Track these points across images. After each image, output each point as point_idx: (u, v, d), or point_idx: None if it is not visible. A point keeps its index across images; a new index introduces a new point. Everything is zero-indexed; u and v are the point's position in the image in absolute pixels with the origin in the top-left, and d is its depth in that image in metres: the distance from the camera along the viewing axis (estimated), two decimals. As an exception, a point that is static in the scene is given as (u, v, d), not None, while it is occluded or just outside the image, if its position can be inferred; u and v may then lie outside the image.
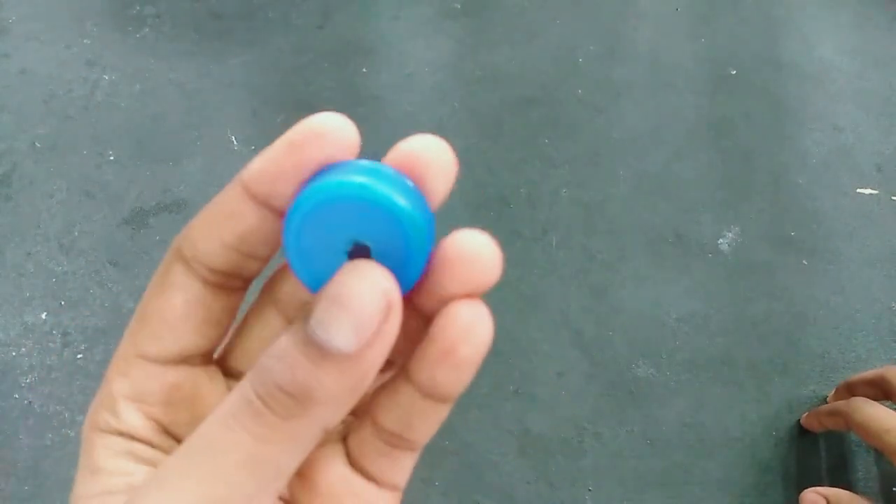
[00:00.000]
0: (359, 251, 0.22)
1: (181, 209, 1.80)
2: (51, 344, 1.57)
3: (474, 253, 0.21)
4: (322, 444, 0.25)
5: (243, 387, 0.20)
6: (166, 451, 0.25)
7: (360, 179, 0.21)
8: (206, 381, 0.26)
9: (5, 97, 1.92)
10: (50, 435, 1.51)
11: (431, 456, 1.44)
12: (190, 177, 1.90)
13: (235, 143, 1.92)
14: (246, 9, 2.19)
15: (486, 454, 1.44)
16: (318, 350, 0.19)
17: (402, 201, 0.22)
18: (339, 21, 2.22)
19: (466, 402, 1.53)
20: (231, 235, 0.23)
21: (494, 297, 1.65)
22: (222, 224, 0.23)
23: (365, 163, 0.23)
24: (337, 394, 0.19)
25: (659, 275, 1.67)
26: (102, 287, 1.75)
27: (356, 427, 0.26)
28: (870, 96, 1.97)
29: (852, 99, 1.97)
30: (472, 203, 1.83)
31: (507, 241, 1.76)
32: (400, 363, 0.25)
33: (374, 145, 1.96)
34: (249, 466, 0.19)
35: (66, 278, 1.69)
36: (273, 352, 0.20)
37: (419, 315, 0.23)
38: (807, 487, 1.32)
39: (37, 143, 1.85)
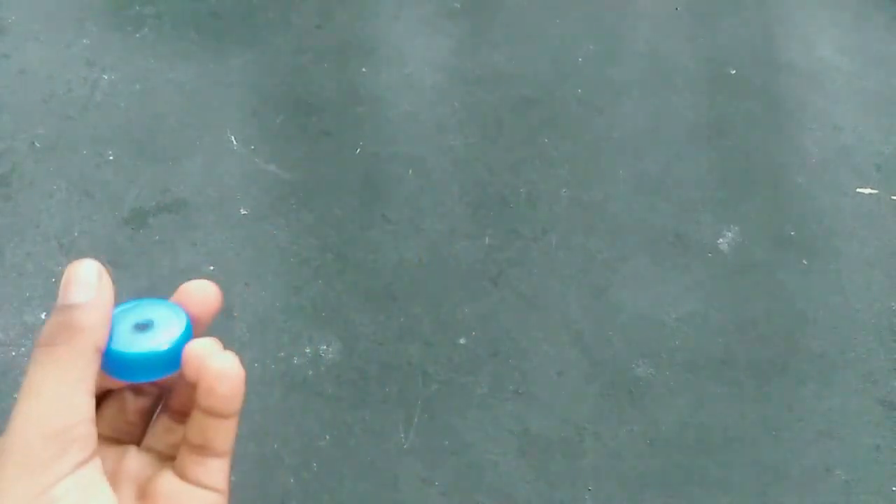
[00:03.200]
0: (142, 327, 0.35)
1: (181, 209, 1.80)
2: (51, 344, 1.57)
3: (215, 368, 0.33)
4: (156, 469, 0.36)
5: (36, 348, 0.32)
6: None
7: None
8: None
9: (5, 97, 1.92)
10: (50, 435, 1.50)
11: (431, 456, 1.44)
12: (190, 177, 1.89)
13: (235, 143, 1.92)
14: (246, 9, 2.19)
15: (486, 454, 1.44)
16: (68, 306, 0.32)
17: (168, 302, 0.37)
18: (338, 21, 2.22)
19: (466, 402, 1.53)
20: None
21: (494, 297, 1.65)
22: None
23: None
24: (88, 322, 0.32)
25: (659, 275, 1.67)
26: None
27: (180, 451, 0.36)
28: (870, 96, 1.97)
29: (852, 99, 1.98)
30: (473, 203, 1.83)
31: (507, 241, 1.76)
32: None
33: (375, 145, 1.95)
34: (61, 372, 0.31)
35: (65, 278, 1.68)
36: (48, 322, 0.33)
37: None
38: (806, 486, 1.32)
39: (36, 143, 1.85)
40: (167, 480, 0.35)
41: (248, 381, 0.34)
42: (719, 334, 1.52)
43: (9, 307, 1.53)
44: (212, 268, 1.57)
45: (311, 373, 1.45)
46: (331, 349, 1.48)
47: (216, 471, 0.35)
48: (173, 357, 0.34)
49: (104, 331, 0.33)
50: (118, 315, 0.35)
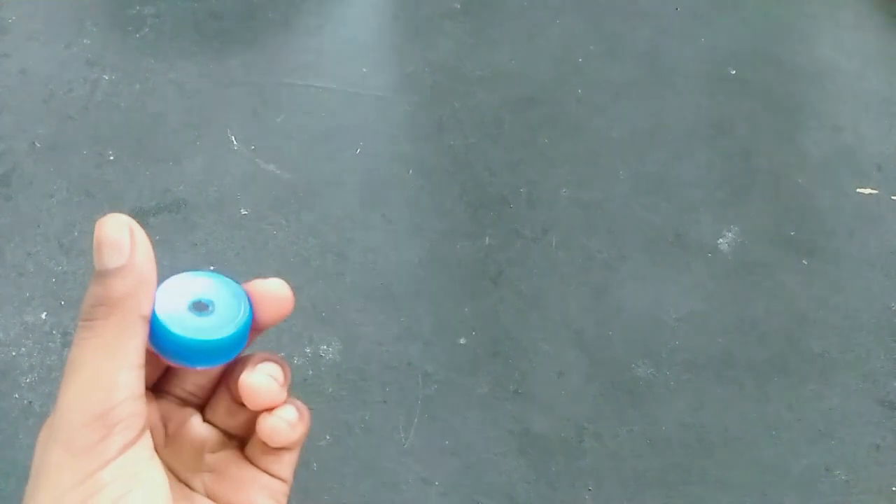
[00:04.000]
0: (200, 306, 0.32)
1: (181, 209, 1.80)
2: (51, 344, 1.57)
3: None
4: (222, 445, 0.35)
5: (78, 325, 0.30)
6: None
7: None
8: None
9: (5, 97, 1.92)
10: (50, 435, 1.50)
11: (431, 456, 1.44)
12: (190, 177, 1.89)
13: (235, 143, 1.92)
14: (246, 9, 2.19)
15: (486, 454, 1.44)
16: (102, 274, 0.29)
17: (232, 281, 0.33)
18: (339, 21, 2.22)
19: (466, 402, 1.53)
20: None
21: (494, 297, 1.65)
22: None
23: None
24: (127, 290, 0.30)
25: (659, 275, 1.67)
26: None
27: (250, 442, 0.35)
28: (870, 96, 1.97)
29: (852, 99, 1.98)
30: (473, 203, 1.83)
31: (507, 241, 1.76)
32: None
33: (375, 145, 1.95)
34: (102, 351, 0.29)
35: (65, 278, 1.69)
36: (86, 296, 0.30)
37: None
38: (806, 486, 1.32)
39: (37, 143, 1.85)
40: (238, 464, 0.34)
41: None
42: (719, 334, 1.53)
43: (9, 307, 1.53)
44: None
45: (311, 373, 1.45)
46: (331, 349, 1.48)
47: (287, 463, 0.35)
48: (231, 348, 0.32)
49: (146, 296, 0.31)
50: (174, 286, 0.32)
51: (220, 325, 0.31)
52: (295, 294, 0.36)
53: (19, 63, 1.92)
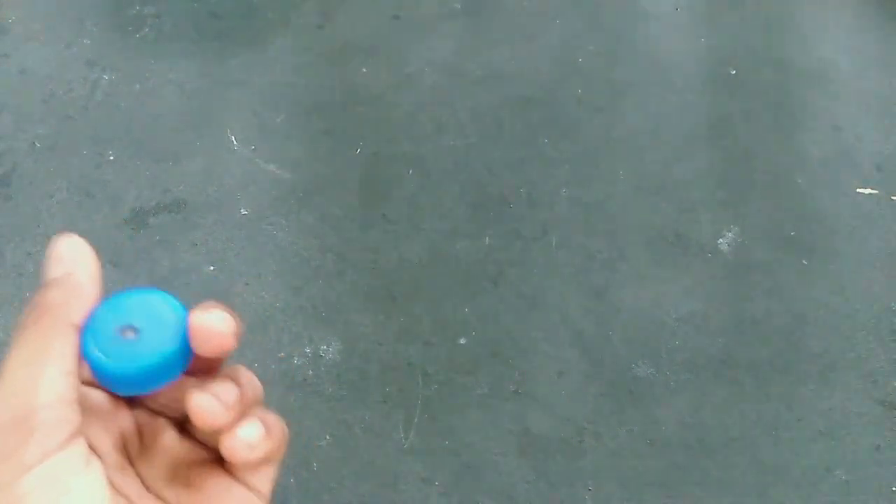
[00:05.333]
0: (127, 330, 0.31)
1: (181, 209, 1.80)
2: (51, 344, 1.57)
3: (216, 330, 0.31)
4: (198, 455, 0.34)
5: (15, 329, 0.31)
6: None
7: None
8: None
9: (5, 97, 1.92)
10: (50, 435, 1.50)
11: (431, 456, 1.44)
12: (190, 177, 1.89)
13: (235, 143, 1.92)
14: (246, 9, 2.19)
15: (486, 454, 1.44)
16: (41, 285, 0.30)
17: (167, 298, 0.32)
18: (339, 21, 2.22)
19: (466, 402, 1.53)
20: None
21: (494, 297, 1.65)
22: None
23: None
24: (62, 299, 0.30)
25: (659, 275, 1.67)
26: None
27: None
28: (870, 96, 1.97)
29: (852, 99, 1.97)
30: (472, 203, 1.83)
31: (507, 241, 1.76)
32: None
33: (375, 145, 1.95)
34: (30, 353, 0.29)
35: (66, 278, 1.68)
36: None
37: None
38: (806, 486, 1.32)
39: (37, 143, 1.85)
40: (214, 477, 0.33)
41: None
42: (719, 334, 1.53)
43: (9, 307, 1.53)
44: (212, 268, 1.58)
45: (311, 373, 1.45)
46: (331, 349, 1.48)
47: (266, 477, 0.34)
48: (152, 377, 0.30)
49: (79, 306, 0.30)
50: (103, 312, 0.31)
51: (140, 353, 0.30)
52: (295, 294, 0.36)
53: (19, 63, 1.92)
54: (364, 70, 1.95)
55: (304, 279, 1.56)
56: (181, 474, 0.34)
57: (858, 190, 1.74)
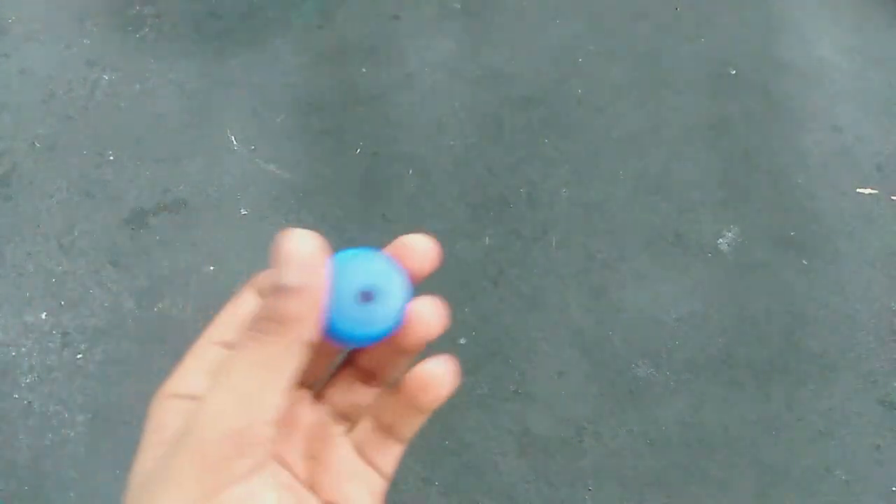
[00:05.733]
0: (366, 296, 0.32)
1: (181, 209, 1.80)
2: (51, 344, 1.57)
3: (428, 317, 0.33)
4: (330, 429, 0.34)
5: (243, 332, 0.29)
6: None
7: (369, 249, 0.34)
8: None
9: (5, 97, 1.92)
10: (50, 435, 1.51)
11: (431, 456, 1.44)
12: (190, 177, 1.89)
13: (235, 143, 1.92)
14: (246, 9, 2.19)
15: (486, 454, 1.44)
16: (281, 289, 0.28)
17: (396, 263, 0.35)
18: (339, 21, 2.22)
19: (466, 402, 1.53)
20: None
21: (494, 297, 1.65)
22: None
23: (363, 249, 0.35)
24: (300, 313, 0.29)
25: (659, 275, 1.67)
26: (102, 287, 1.74)
27: (361, 426, 0.34)
28: (870, 96, 1.97)
29: (852, 99, 1.97)
30: (472, 203, 1.83)
31: (507, 241, 1.76)
32: (383, 378, 0.35)
33: (375, 145, 1.95)
34: (258, 367, 0.28)
35: (65, 278, 1.69)
36: (259, 305, 0.30)
37: (398, 349, 0.34)
38: (806, 486, 1.32)
39: (37, 143, 1.85)
40: (344, 452, 0.33)
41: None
42: (719, 334, 1.53)
43: (9, 307, 1.53)
44: (212, 268, 1.58)
45: (311, 373, 1.45)
46: (331, 349, 1.48)
47: (393, 457, 0.34)
48: (394, 328, 0.33)
49: (316, 322, 0.29)
50: (338, 272, 0.32)
51: (388, 309, 0.32)
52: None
53: (19, 63, 1.92)
54: (364, 70, 1.95)
55: (304, 279, 1.56)
56: (311, 448, 0.34)
57: (858, 190, 1.74)
